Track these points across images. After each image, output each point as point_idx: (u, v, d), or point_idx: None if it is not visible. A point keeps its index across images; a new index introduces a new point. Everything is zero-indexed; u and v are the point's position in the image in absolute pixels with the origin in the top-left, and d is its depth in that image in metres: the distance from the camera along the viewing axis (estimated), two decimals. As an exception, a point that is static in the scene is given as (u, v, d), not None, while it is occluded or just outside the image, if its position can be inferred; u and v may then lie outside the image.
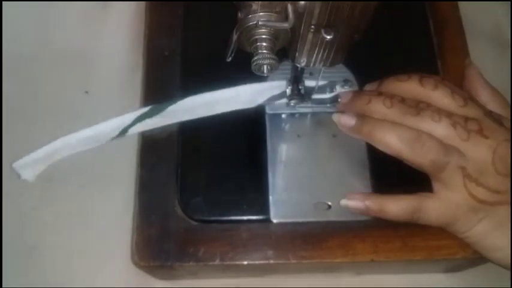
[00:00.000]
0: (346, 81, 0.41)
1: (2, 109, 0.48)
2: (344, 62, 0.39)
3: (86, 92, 0.49)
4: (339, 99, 0.40)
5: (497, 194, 0.33)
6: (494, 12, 0.54)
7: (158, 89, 0.43)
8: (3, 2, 0.52)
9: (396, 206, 0.35)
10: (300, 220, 0.38)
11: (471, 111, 0.34)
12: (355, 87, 0.41)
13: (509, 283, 0.41)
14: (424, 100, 0.35)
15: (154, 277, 0.42)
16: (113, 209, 0.44)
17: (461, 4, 0.47)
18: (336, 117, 0.38)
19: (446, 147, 0.33)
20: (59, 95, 0.49)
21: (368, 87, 0.39)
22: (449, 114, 0.34)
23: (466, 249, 0.37)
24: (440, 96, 0.34)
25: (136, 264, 0.37)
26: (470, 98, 0.35)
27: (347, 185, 0.38)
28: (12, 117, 0.48)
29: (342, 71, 0.41)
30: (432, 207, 0.34)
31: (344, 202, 0.36)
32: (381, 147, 0.35)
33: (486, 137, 0.33)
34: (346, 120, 0.37)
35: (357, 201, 0.36)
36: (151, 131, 0.41)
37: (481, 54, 0.46)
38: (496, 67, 0.50)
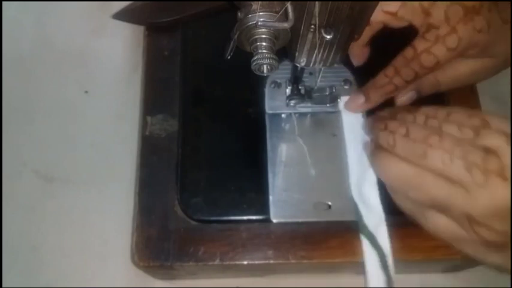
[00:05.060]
0: (346, 81, 0.41)
1: (2, 109, 0.48)
2: (344, 62, 0.39)
3: (86, 92, 0.49)
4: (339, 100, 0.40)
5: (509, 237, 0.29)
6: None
7: (158, 89, 0.43)
8: (3, 2, 0.52)
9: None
10: (300, 220, 0.38)
11: (490, 141, 0.29)
12: (355, 87, 0.41)
13: (509, 283, 0.41)
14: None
15: (154, 277, 0.42)
16: (113, 209, 0.44)
17: (461, 4, 0.47)
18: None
19: (449, 190, 0.29)
20: (59, 95, 0.49)
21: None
22: (464, 153, 0.29)
23: (466, 249, 0.37)
24: (450, 130, 0.31)
25: (136, 264, 0.37)
26: (484, 124, 0.30)
27: (347, 185, 0.38)
28: (12, 117, 0.48)
29: (341, 71, 0.41)
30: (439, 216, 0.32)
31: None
32: (384, 180, 0.34)
33: (505, 179, 0.28)
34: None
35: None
36: (151, 131, 0.41)
37: (481, 54, 0.46)
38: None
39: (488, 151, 0.29)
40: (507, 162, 0.28)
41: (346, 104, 0.40)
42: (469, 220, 0.29)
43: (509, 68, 0.50)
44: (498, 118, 0.31)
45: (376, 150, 0.35)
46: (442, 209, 0.31)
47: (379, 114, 0.38)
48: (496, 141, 0.29)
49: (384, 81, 0.37)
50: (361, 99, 0.39)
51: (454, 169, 0.29)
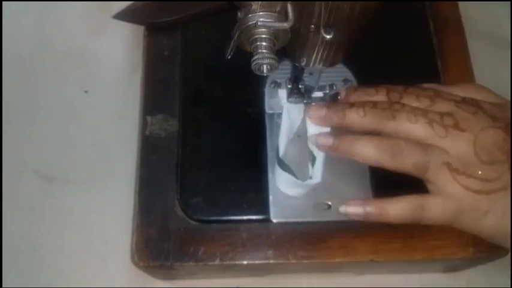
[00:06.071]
0: (346, 81, 0.41)
1: (2, 109, 0.48)
2: (344, 62, 0.39)
3: (86, 92, 0.49)
4: (309, 110, 0.39)
5: (489, 183, 0.33)
6: (494, 12, 0.54)
7: (158, 89, 0.43)
8: (3, 2, 0.52)
9: (397, 207, 0.34)
10: (300, 220, 0.38)
11: (443, 107, 0.35)
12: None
13: (509, 283, 0.42)
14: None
15: (154, 277, 0.42)
16: (113, 209, 0.44)
17: (461, 4, 0.47)
18: (313, 139, 0.38)
19: (425, 148, 0.34)
20: (59, 95, 0.49)
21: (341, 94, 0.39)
22: (424, 113, 0.34)
23: (466, 249, 0.37)
24: (409, 100, 0.35)
25: (136, 264, 0.37)
26: (437, 95, 0.36)
27: (347, 184, 0.38)
28: (12, 117, 0.48)
29: (342, 71, 0.41)
30: (435, 204, 0.34)
31: (343, 209, 0.36)
32: (361, 161, 0.35)
33: (463, 130, 0.33)
34: (324, 141, 0.37)
35: (356, 206, 0.36)
36: (151, 131, 0.41)
37: (481, 54, 0.46)
38: (496, 67, 0.50)
39: (443, 114, 0.34)
40: (460, 118, 0.34)
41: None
42: (450, 171, 0.33)
43: (509, 64, 0.50)
44: (447, 90, 0.37)
45: (342, 138, 0.36)
46: (423, 170, 0.34)
47: (335, 103, 0.38)
48: (448, 106, 0.35)
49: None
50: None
51: (419, 127, 0.34)
